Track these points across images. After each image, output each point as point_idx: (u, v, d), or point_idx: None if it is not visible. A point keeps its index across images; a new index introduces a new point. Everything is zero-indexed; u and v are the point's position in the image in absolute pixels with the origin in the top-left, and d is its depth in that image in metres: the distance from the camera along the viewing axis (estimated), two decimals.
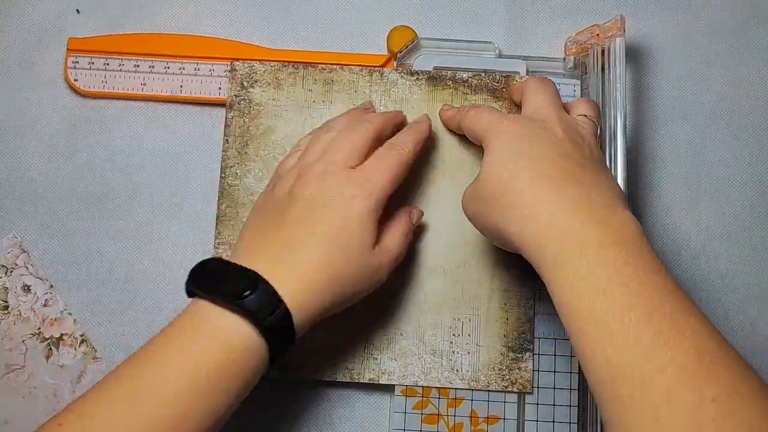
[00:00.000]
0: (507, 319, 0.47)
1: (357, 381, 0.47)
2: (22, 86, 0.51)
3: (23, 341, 0.48)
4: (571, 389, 0.47)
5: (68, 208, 0.50)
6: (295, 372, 0.46)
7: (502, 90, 0.49)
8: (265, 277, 0.36)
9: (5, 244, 0.49)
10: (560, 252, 0.34)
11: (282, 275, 0.37)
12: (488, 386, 0.46)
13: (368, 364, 0.47)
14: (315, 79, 0.49)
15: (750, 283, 0.50)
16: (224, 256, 0.47)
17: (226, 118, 0.49)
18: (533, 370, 0.47)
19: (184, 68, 0.50)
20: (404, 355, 0.47)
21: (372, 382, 0.47)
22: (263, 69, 0.49)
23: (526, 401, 0.47)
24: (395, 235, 0.42)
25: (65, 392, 0.47)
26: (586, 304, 0.33)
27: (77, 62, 0.50)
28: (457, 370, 0.47)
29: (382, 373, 0.47)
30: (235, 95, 0.49)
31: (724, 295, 0.50)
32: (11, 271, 0.49)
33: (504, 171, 0.38)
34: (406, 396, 0.47)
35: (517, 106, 0.47)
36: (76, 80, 0.50)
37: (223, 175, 0.49)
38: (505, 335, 0.47)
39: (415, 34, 0.50)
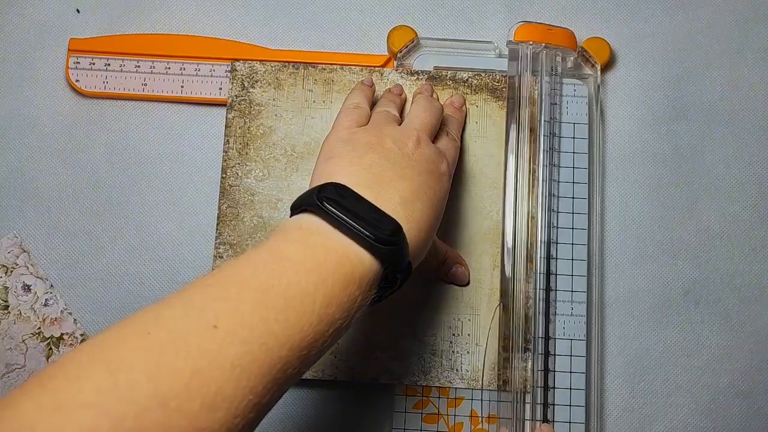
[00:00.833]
0: (506, 319, 0.47)
1: (358, 380, 0.47)
2: (23, 86, 0.51)
3: (23, 341, 0.48)
4: (571, 389, 0.47)
5: (68, 208, 0.50)
6: None
7: (502, 90, 0.49)
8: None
9: (5, 244, 0.49)
10: None
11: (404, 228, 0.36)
12: (488, 386, 0.46)
13: (369, 363, 0.47)
14: (315, 80, 0.50)
15: (750, 283, 0.50)
16: (224, 257, 0.47)
17: (226, 118, 0.49)
18: (533, 370, 0.47)
19: (184, 68, 0.51)
20: (404, 354, 0.47)
21: (373, 381, 0.47)
22: (264, 69, 0.50)
23: (526, 401, 0.47)
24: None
25: None
26: None
27: (78, 62, 0.50)
28: (456, 370, 0.47)
29: (383, 372, 0.47)
30: (236, 95, 0.49)
31: (724, 295, 0.50)
32: (11, 271, 0.49)
33: None
34: (407, 395, 0.47)
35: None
36: (77, 80, 0.50)
37: (224, 175, 0.49)
38: (504, 335, 0.47)
39: (415, 34, 0.50)
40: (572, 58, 0.50)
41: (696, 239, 0.50)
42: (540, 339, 0.47)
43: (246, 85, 0.49)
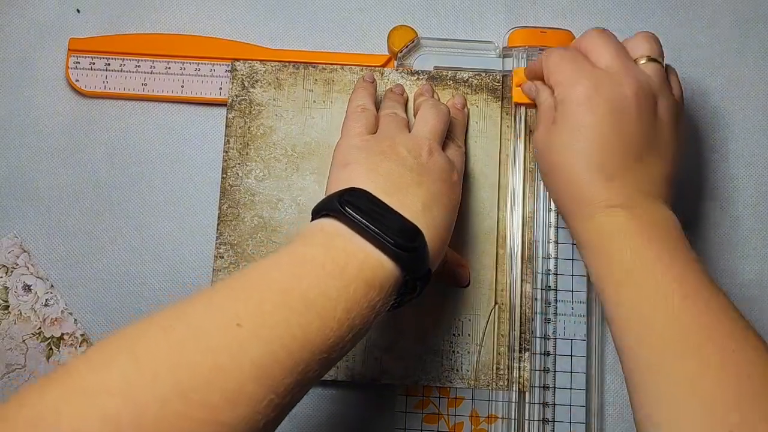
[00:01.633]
0: (506, 319, 0.47)
1: (359, 381, 0.47)
2: (23, 86, 0.51)
3: (24, 341, 0.48)
4: (571, 389, 0.47)
5: (68, 208, 0.50)
6: None
7: (503, 90, 0.49)
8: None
9: (5, 244, 0.49)
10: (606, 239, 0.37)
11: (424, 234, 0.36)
12: (488, 386, 0.47)
13: (369, 363, 0.47)
14: (315, 79, 0.50)
15: (750, 283, 0.50)
16: (225, 257, 0.47)
17: (227, 118, 0.49)
18: (533, 370, 0.47)
19: (184, 68, 0.50)
20: (405, 355, 0.47)
21: (373, 382, 0.47)
22: (264, 69, 0.50)
23: (526, 401, 0.47)
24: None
25: None
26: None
27: (78, 62, 0.50)
28: (457, 370, 0.47)
29: (383, 372, 0.47)
30: (236, 95, 0.49)
31: None
32: (12, 271, 0.49)
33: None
34: (407, 395, 0.47)
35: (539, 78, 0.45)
36: (77, 80, 0.50)
37: (224, 175, 0.49)
38: (504, 335, 0.47)
39: (416, 34, 0.50)
40: None
41: (696, 239, 0.50)
42: (540, 339, 0.47)
43: (246, 85, 0.49)
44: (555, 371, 0.47)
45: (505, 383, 0.46)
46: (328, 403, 0.48)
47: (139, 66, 0.51)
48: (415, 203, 0.37)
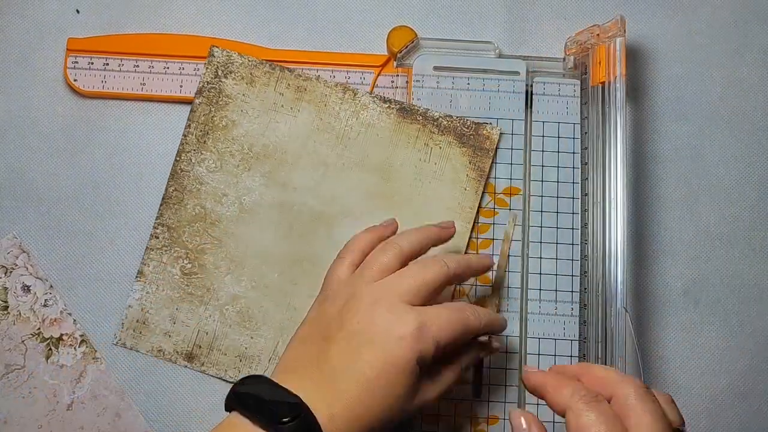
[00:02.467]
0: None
1: None
2: (22, 86, 0.51)
3: (23, 341, 0.48)
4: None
5: (68, 208, 0.50)
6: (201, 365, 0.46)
7: (470, 136, 0.49)
8: (307, 403, 0.35)
9: (5, 244, 0.49)
10: None
11: (322, 405, 0.35)
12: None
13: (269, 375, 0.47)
14: (288, 84, 0.49)
15: (750, 283, 0.50)
16: (160, 238, 0.48)
17: (193, 103, 0.49)
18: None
19: (183, 68, 0.50)
20: None
21: None
22: (240, 61, 0.49)
23: (526, 401, 0.47)
24: (450, 373, 0.40)
25: (65, 392, 0.47)
26: None
27: (77, 62, 0.50)
28: None
29: None
30: (207, 82, 0.49)
31: (724, 296, 0.50)
32: (11, 271, 0.49)
33: None
34: None
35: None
36: (75, 80, 0.50)
37: (177, 158, 0.49)
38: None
39: (415, 34, 0.50)
40: (572, 58, 0.50)
41: (696, 239, 0.50)
42: (540, 339, 0.47)
43: (219, 74, 0.49)
44: None
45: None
46: None
47: (137, 66, 0.50)
48: (313, 377, 0.37)
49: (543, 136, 0.50)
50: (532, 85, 0.50)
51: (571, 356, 0.47)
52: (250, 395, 0.36)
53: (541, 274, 0.48)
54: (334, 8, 0.53)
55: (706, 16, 0.53)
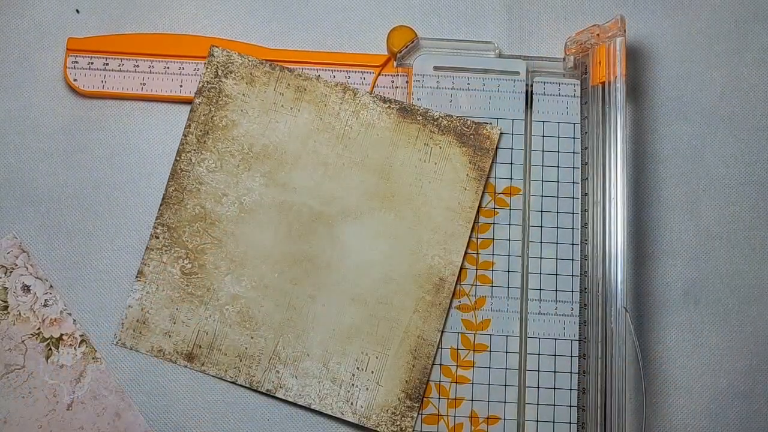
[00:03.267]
0: (413, 366, 0.47)
1: (255, 389, 0.47)
2: (22, 86, 0.51)
3: (23, 341, 0.48)
4: (571, 389, 0.47)
5: (68, 208, 0.50)
6: (201, 365, 0.47)
7: (470, 136, 0.49)
8: None
9: (5, 244, 0.49)
10: None
11: None
12: (377, 427, 0.46)
13: (269, 375, 0.47)
14: (288, 84, 0.49)
15: (750, 283, 0.50)
16: (160, 238, 0.48)
17: (193, 102, 0.49)
18: (527, 371, 0.47)
19: (183, 68, 0.50)
20: (305, 375, 0.47)
21: (269, 393, 0.47)
22: (240, 61, 0.49)
23: (526, 401, 0.47)
24: None
25: (65, 392, 0.47)
26: None
27: (77, 62, 0.50)
28: (351, 403, 0.46)
29: (280, 387, 0.47)
30: (207, 81, 0.49)
31: (724, 296, 0.50)
32: (11, 271, 0.49)
33: None
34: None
35: None
36: (75, 80, 0.50)
37: (178, 158, 0.49)
38: (407, 381, 0.47)
39: (415, 34, 0.50)
40: (572, 58, 0.50)
41: (696, 239, 0.50)
42: (540, 339, 0.47)
43: (219, 74, 0.49)
44: (555, 371, 0.47)
45: (394, 429, 0.46)
46: None
47: (137, 66, 0.50)
48: None
49: (543, 136, 0.50)
50: (532, 85, 0.50)
51: (571, 356, 0.47)
52: None
53: (541, 274, 0.48)
54: (334, 8, 0.53)
55: (706, 16, 0.53)
